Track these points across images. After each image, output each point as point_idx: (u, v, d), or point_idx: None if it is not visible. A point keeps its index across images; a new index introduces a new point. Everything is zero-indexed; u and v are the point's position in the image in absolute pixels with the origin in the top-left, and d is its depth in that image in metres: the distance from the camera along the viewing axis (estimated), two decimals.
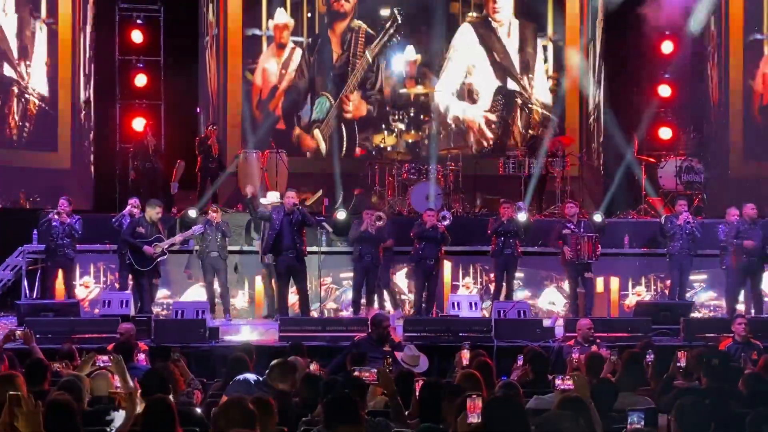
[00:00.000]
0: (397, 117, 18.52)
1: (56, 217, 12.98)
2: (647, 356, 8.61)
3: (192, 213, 14.36)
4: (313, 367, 8.16)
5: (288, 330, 11.58)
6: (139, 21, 16.66)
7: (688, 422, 4.86)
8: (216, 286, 13.45)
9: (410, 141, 18.56)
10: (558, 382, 7.14)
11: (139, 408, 5.61)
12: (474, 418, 4.81)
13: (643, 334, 11.52)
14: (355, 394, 5.75)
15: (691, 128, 17.01)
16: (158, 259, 12.78)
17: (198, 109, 16.98)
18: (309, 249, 13.50)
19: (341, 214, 14.60)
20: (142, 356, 8.72)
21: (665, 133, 17.50)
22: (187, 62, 16.94)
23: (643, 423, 5.07)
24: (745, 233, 13.25)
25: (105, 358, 7.15)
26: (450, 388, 5.82)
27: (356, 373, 6.41)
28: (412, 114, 18.63)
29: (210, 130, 15.57)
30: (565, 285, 14.09)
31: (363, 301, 13.44)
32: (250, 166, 15.75)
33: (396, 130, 18.42)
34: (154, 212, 12.83)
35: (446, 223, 13.51)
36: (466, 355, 8.39)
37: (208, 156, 15.46)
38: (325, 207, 15.97)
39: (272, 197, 13.66)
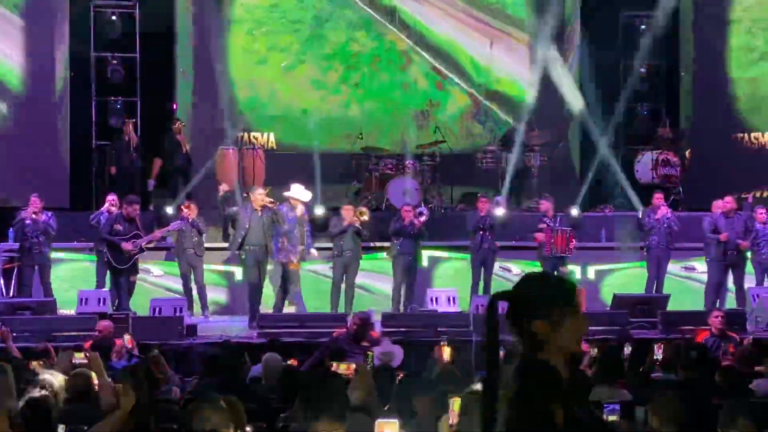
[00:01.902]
0: None
1: (30, 215, 12.86)
2: (625, 349, 8.67)
3: (169, 210, 14.31)
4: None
5: (266, 327, 11.57)
6: (114, 17, 16.55)
7: (664, 414, 4.88)
8: (193, 283, 13.43)
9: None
10: None
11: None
12: (456, 419, 4.80)
13: (620, 327, 11.59)
14: (335, 389, 5.74)
15: (667, 121, 17.08)
16: (136, 256, 12.71)
17: (174, 105, 16.88)
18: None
19: (319, 210, 14.58)
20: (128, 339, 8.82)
21: (642, 126, 17.53)
22: (163, 58, 16.84)
23: (618, 415, 5.09)
24: (722, 226, 13.38)
25: (82, 356, 7.12)
26: (422, 384, 5.81)
27: (334, 368, 6.42)
28: None
29: (177, 126, 15.49)
30: None
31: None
32: (227, 163, 15.69)
33: None
34: (131, 209, 12.76)
35: (423, 218, 13.51)
36: (446, 351, 8.40)
37: (177, 152, 15.37)
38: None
39: (297, 190, 13.40)
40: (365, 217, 13.31)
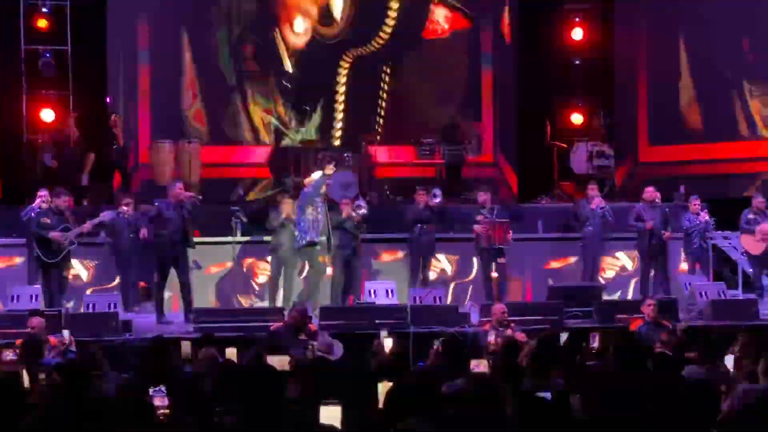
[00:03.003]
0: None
1: None
2: (560, 338, 8.76)
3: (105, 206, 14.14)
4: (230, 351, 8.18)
5: (202, 321, 11.48)
6: (44, 9, 16.25)
7: (596, 401, 4.95)
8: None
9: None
10: (473, 365, 7.21)
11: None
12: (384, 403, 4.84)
13: (556, 317, 11.72)
14: (271, 382, 5.73)
15: (601, 113, 17.27)
16: (66, 249, 12.42)
17: (108, 99, 16.65)
18: (223, 239, 13.48)
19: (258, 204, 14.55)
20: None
21: (576, 118, 17.72)
22: (95, 50, 16.57)
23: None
24: (646, 216, 13.59)
25: (11, 353, 7.02)
26: (358, 375, 5.84)
27: (269, 361, 6.40)
28: None
29: (114, 119, 15.29)
30: None
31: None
32: (162, 157, 15.52)
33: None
34: (60, 201, 12.53)
35: (362, 212, 13.49)
36: (387, 342, 8.43)
37: (114, 147, 15.17)
38: (240, 196, 15.87)
39: (315, 176, 13.33)
40: None
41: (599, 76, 17.77)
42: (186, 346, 8.18)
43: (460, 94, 17.87)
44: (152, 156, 15.74)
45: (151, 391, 4.83)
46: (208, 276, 14.02)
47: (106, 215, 12.97)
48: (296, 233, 12.90)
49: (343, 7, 17.64)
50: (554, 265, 14.79)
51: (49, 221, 12.35)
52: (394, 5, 17.73)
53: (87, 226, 12.69)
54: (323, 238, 12.89)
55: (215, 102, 17.27)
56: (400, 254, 14.36)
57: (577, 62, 17.69)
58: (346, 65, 17.66)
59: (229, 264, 13.94)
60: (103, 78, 16.67)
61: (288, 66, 17.37)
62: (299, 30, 17.57)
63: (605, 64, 17.78)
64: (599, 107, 17.55)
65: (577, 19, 17.66)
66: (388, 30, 17.68)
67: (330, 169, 13.43)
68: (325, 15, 17.61)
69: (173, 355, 7.48)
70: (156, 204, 12.74)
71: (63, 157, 15.19)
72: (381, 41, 17.69)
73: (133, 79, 16.97)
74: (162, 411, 4.80)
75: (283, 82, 17.20)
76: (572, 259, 14.61)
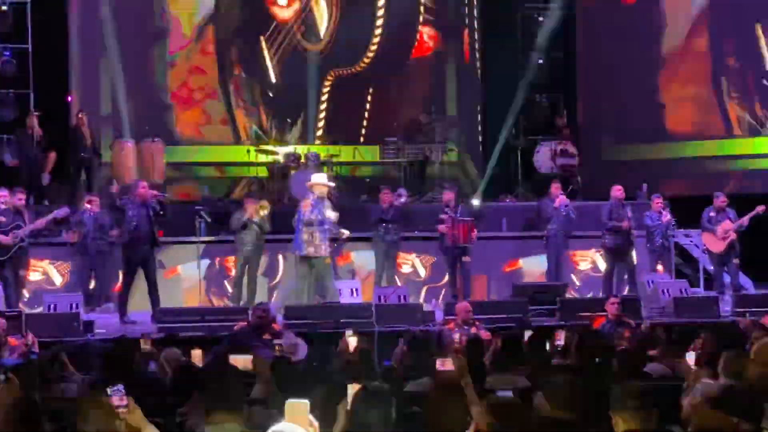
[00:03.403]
0: None
1: None
2: (524, 336, 8.78)
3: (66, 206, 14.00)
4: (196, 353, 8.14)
5: (165, 321, 11.40)
6: (4, 7, 16.08)
7: (558, 399, 4.96)
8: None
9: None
10: (438, 364, 7.21)
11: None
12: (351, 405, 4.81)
13: (520, 315, 11.77)
14: (232, 381, 5.69)
15: (564, 112, 17.36)
16: (17, 246, 12.20)
17: (69, 98, 16.50)
18: (187, 238, 13.39)
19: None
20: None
21: (540, 116, 17.79)
22: (56, 49, 16.42)
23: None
24: (617, 214, 13.66)
25: None
26: (321, 375, 5.81)
27: (231, 361, 6.37)
28: None
29: (80, 118, 15.16)
30: None
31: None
32: (125, 156, 15.40)
33: None
34: (15, 199, 12.37)
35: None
36: (352, 341, 8.41)
37: (81, 146, 15.04)
38: (204, 196, 15.79)
39: (319, 178, 13.18)
40: (265, 212, 13.23)
41: (563, 74, 17.89)
42: (148, 347, 8.13)
43: (424, 94, 17.89)
44: (115, 155, 15.61)
45: (109, 390, 4.76)
46: (173, 276, 13.94)
47: (59, 212, 12.83)
48: (299, 236, 12.59)
49: (329, 25, 17.63)
50: (518, 263, 14.86)
51: (3, 219, 12.18)
52: (379, 26, 17.76)
53: (39, 223, 12.55)
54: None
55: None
56: (365, 254, 14.34)
57: (541, 60, 17.79)
58: (329, 82, 17.67)
59: (193, 264, 13.85)
60: (66, 77, 16.52)
61: (272, 76, 17.35)
62: (283, 2, 17.54)
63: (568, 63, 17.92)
64: (563, 106, 17.66)
65: (541, 19, 17.78)
66: (374, 49, 17.70)
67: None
68: (311, 32, 17.60)
69: (136, 356, 7.41)
70: (121, 202, 12.64)
71: (26, 157, 15.03)
72: (366, 62, 17.69)
73: (94, 76, 16.80)
74: (121, 410, 4.73)
75: (269, 93, 17.20)
76: (536, 258, 14.66)
